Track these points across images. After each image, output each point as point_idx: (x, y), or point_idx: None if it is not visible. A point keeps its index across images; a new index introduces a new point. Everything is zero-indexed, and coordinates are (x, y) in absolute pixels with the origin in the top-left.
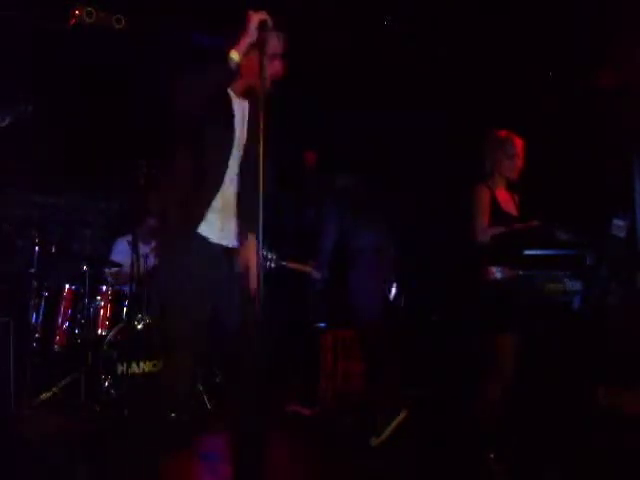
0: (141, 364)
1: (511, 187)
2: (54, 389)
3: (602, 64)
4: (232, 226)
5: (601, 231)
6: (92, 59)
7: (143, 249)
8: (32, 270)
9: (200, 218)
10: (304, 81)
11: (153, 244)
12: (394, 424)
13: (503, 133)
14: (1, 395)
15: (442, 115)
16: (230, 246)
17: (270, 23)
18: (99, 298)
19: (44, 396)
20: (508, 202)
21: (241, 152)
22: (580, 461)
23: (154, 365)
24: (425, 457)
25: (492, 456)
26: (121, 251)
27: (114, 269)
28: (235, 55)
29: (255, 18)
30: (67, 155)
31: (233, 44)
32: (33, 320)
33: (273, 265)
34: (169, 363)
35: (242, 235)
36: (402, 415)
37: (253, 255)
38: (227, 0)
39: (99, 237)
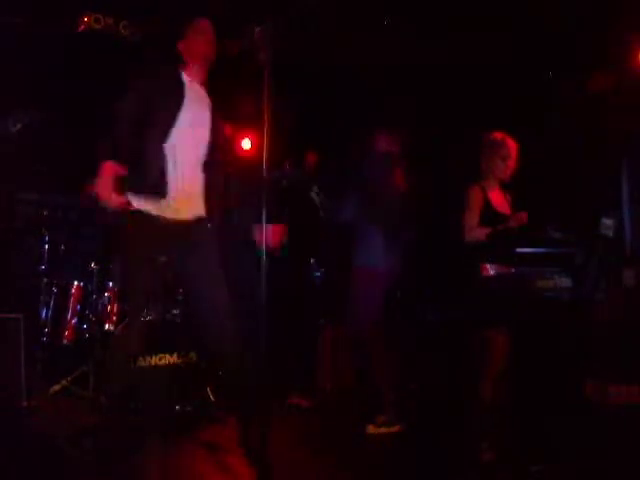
0: (147, 358)
1: (503, 187)
2: (63, 382)
3: (594, 66)
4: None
5: (590, 230)
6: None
7: None
8: (42, 267)
9: None
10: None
11: None
12: (389, 429)
13: (499, 136)
14: (13, 387)
15: (438, 116)
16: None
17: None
18: (106, 294)
19: (54, 389)
20: (501, 202)
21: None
22: (568, 452)
23: (160, 359)
24: (420, 446)
25: (484, 445)
26: None
27: None
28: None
29: None
30: (76, 156)
31: None
32: (43, 316)
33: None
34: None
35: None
36: (396, 428)
37: None
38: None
39: (107, 235)
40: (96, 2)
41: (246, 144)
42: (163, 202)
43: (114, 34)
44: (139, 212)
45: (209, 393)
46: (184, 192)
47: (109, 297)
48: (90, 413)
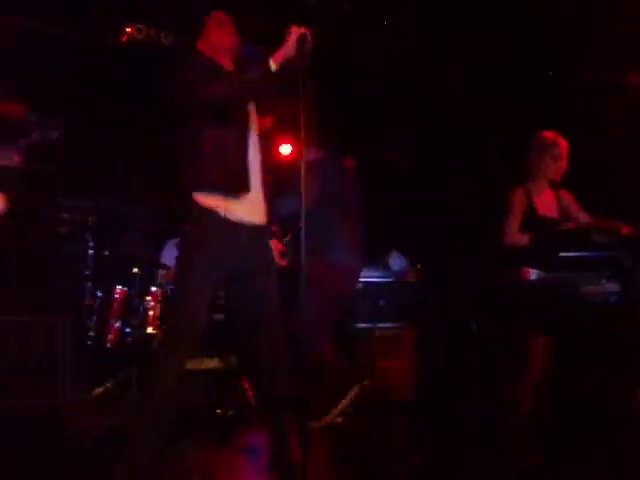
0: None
1: (555, 187)
2: (107, 384)
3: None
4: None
5: (638, 233)
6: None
7: None
8: (87, 272)
9: None
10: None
11: None
12: (348, 401)
13: (550, 135)
14: (58, 389)
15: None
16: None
17: (309, 38)
18: (149, 298)
19: (98, 391)
20: (550, 204)
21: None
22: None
23: (200, 363)
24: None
25: (526, 455)
26: (170, 254)
27: (163, 271)
28: (273, 65)
29: (296, 32)
30: (119, 162)
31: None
32: (88, 319)
33: None
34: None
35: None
36: (355, 391)
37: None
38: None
39: (150, 240)
40: (137, 13)
41: (286, 149)
42: (241, 201)
43: (156, 44)
44: (208, 211)
45: (250, 398)
46: (256, 193)
47: (152, 301)
48: (132, 415)
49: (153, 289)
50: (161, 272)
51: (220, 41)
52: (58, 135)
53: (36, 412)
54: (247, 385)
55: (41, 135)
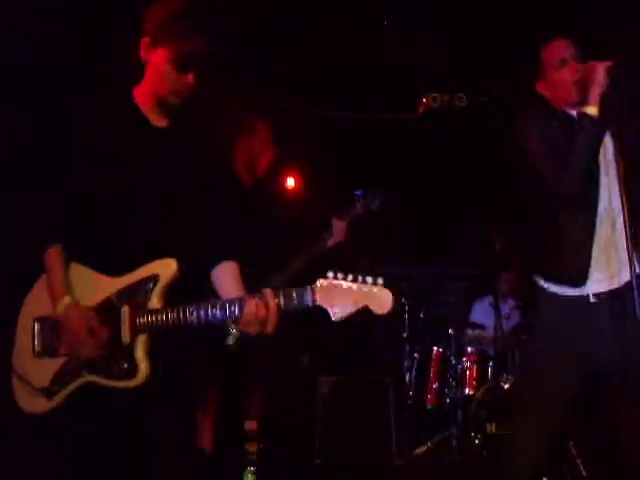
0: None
1: None
2: (428, 444)
3: None
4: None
5: None
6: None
7: (503, 309)
8: (404, 335)
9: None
10: None
11: (512, 303)
12: None
13: None
14: (384, 447)
15: None
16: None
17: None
18: (465, 359)
19: (419, 450)
20: None
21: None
22: None
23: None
24: None
25: None
26: (480, 312)
27: (476, 331)
28: (592, 109)
29: (602, 67)
30: (423, 226)
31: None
32: (407, 380)
33: None
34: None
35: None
36: None
37: None
38: None
39: (461, 301)
40: (431, 82)
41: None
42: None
43: (450, 108)
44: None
45: (580, 466)
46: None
47: (467, 362)
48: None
49: (469, 349)
50: (471, 332)
51: (567, 78)
52: (378, 205)
53: (371, 468)
54: (575, 452)
55: (364, 207)
